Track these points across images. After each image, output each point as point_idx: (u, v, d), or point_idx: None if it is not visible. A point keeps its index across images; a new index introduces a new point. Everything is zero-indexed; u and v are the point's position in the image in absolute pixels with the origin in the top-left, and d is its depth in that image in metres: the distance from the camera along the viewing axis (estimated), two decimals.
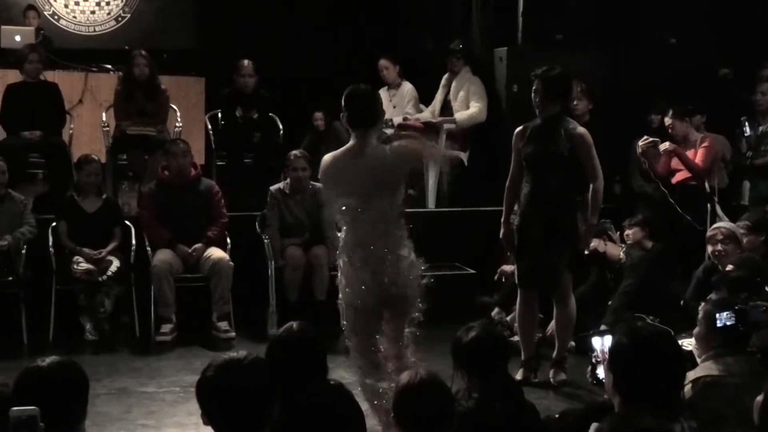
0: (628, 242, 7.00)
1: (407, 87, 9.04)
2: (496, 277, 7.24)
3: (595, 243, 6.69)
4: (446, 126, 8.45)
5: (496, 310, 7.05)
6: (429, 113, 8.78)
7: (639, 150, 7.20)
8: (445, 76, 8.74)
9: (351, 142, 4.74)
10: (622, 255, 6.90)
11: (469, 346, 3.67)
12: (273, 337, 3.65)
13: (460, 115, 8.49)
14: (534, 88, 5.82)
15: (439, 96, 8.75)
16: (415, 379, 2.99)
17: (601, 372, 3.52)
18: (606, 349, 3.74)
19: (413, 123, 8.56)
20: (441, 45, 9.24)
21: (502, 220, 5.98)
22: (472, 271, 7.77)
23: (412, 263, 4.77)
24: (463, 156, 8.63)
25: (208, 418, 2.77)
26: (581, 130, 5.82)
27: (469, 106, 8.51)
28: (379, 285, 4.67)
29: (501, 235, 6.00)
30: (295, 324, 3.66)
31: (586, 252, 6.20)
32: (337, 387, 3.70)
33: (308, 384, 3.51)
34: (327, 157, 4.81)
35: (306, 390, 3.48)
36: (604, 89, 8.31)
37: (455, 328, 6.72)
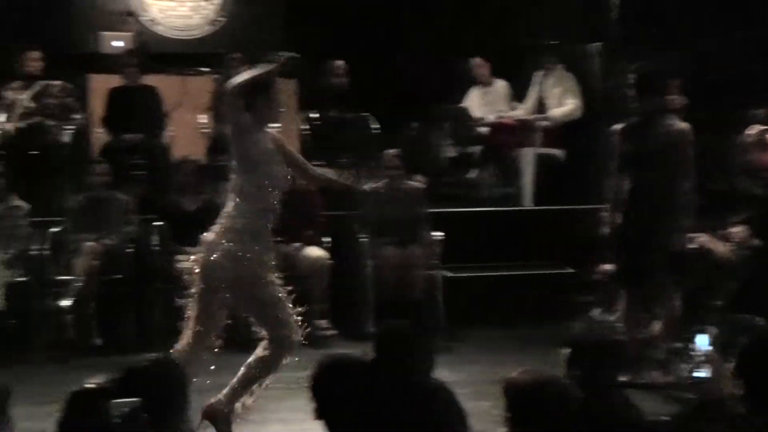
0: (734, 240, 6.82)
1: (500, 85, 9.00)
2: (595, 276, 7.15)
3: (703, 239, 6.56)
4: (541, 123, 8.38)
5: (598, 310, 6.96)
6: (523, 111, 8.72)
7: (751, 139, 6.99)
8: (539, 73, 8.67)
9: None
10: (729, 253, 6.73)
11: (593, 345, 3.62)
12: (376, 334, 3.66)
13: (555, 111, 8.42)
14: (630, 82, 5.75)
15: (533, 93, 8.69)
16: (534, 379, 2.97)
17: (701, 372, 3.46)
18: (705, 349, 3.68)
19: (506, 121, 8.53)
20: (535, 41, 9.17)
21: (606, 218, 5.91)
22: (571, 270, 7.69)
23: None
24: (559, 153, 8.55)
25: (320, 415, 2.80)
26: (683, 125, 5.74)
27: (563, 103, 8.44)
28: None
29: (604, 234, 5.93)
30: (398, 322, 3.69)
31: (692, 249, 6.11)
32: (439, 386, 3.71)
33: (413, 382, 3.53)
34: None
35: (410, 388, 3.50)
36: (699, 84, 8.14)
37: (555, 328, 6.78)
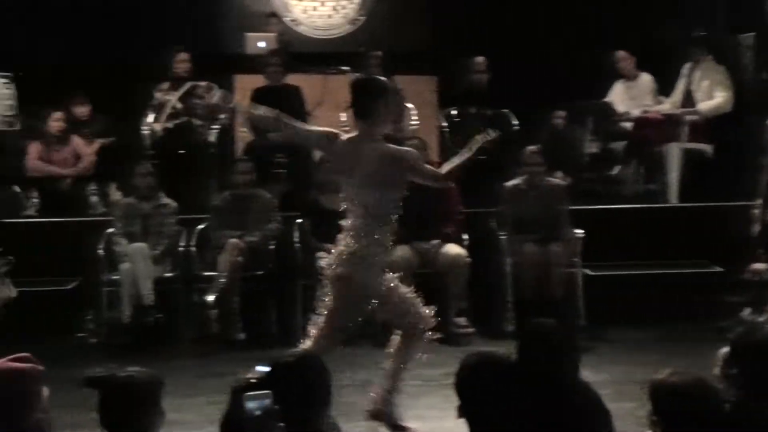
0: None
1: (646, 78, 8.78)
2: (746, 276, 6.88)
3: None
4: (689, 117, 8.11)
5: (748, 310, 6.70)
6: (670, 104, 8.46)
7: None
8: (687, 65, 8.39)
9: (354, 132, 4.67)
10: None
11: (760, 347, 3.47)
12: (521, 333, 3.61)
13: (705, 105, 8.13)
14: None
15: (680, 86, 8.43)
16: (683, 381, 2.87)
17: None
18: None
19: (653, 115, 8.29)
20: (682, 33, 8.88)
21: (757, 215, 5.67)
22: (720, 269, 7.42)
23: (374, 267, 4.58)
24: (708, 148, 8.26)
25: (463, 414, 2.78)
26: None
27: (713, 96, 8.14)
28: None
29: (755, 233, 5.69)
30: (543, 321, 3.62)
31: None
32: (584, 386, 3.63)
33: (557, 382, 3.46)
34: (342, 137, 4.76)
35: (555, 388, 3.44)
36: None
37: (701, 328, 6.55)
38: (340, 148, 4.73)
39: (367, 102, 4.65)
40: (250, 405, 2.38)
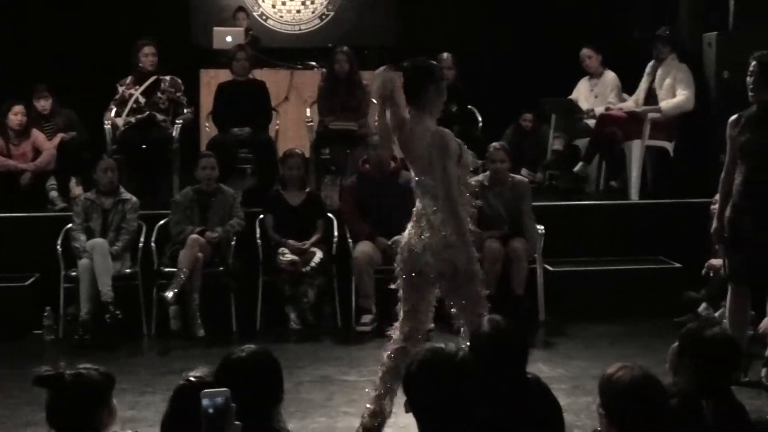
0: None
1: (610, 76, 8.82)
2: (703, 272, 6.94)
3: None
4: (651, 115, 8.15)
5: (704, 305, 6.77)
6: (633, 102, 8.51)
7: None
8: (650, 63, 8.43)
9: (408, 117, 4.64)
10: None
11: (710, 341, 3.50)
12: (477, 331, 3.62)
13: (666, 103, 8.17)
14: (750, 70, 5.53)
15: (643, 84, 8.46)
16: (630, 375, 2.89)
17: None
18: None
19: (616, 113, 8.33)
20: (646, 32, 8.93)
21: (716, 213, 5.72)
22: (678, 265, 7.48)
23: (446, 245, 4.51)
24: (669, 146, 8.33)
25: (412, 409, 2.78)
26: None
27: (675, 94, 8.19)
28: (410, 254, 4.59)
29: (712, 229, 5.74)
30: (500, 319, 3.64)
31: None
32: (535, 381, 3.66)
33: (510, 378, 3.48)
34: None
35: (507, 384, 3.45)
36: None
37: (659, 324, 6.61)
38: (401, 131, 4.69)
39: (419, 84, 4.61)
40: (206, 402, 2.36)
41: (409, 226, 4.68)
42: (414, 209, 4.68)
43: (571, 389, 5.60)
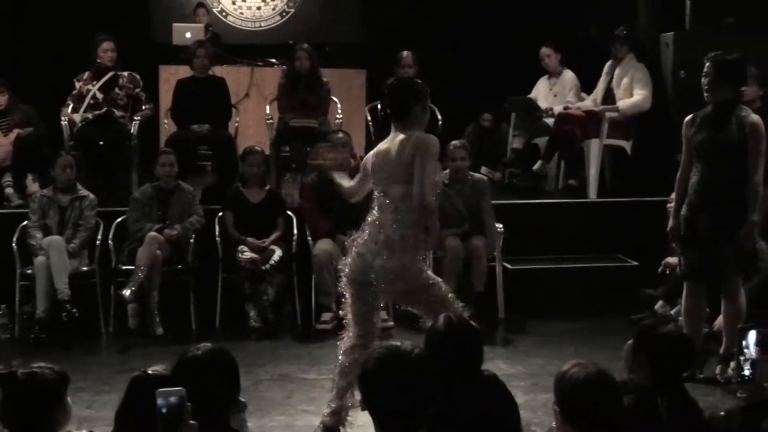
0: None
1: (568, 75, 8.88)
2: (660, 270, 7.02)
3: None
4: (609, 114, 8.22)
5: (660, 303, 6.84)
6: (591, 101, 8.58)
7: None
8: (608, 63, 8.50)
9: (389, 139, 4.69)
10: None
11: (663, 338, 3.54)
12: (433, 328, 3.63)
13: (623, 102, 8.25)
14: (705, 70, 5.60)
15: (601, 84, 8.54)
16: (584, 372, 2.91)
17: (747, 370, 3.32)
18: (754, 347, 3.57)
19: (574, 112, 8.39)
20: (605, 31, 9.01)
21: (672, 212, 5.78)
22: (635, 263, 7.57)
23: (396, 267, 4.53)
24: (627, 145, 8.40)
25: (367, 406, 2.79)
26: (754, 118, 5.56)
27: (632, 93, 8.27)
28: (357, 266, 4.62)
29: (668, 228, 5.80)
30: (454, 316, 3.65)
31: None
32: (492, 377, 3.68)
33: (465, 375, 3.50)
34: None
35: (463, 381, 3.47)
36: None
37: (617, 321, 6.67)
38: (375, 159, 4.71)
39: (404, 103, 4.63)
40: (161, 401, 2.35)
41: (365, 232, 4.66)
42: (371, 217, 4.66)
43: (529, 386, 5.64)
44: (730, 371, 5.58)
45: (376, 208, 4.67)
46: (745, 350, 3.30)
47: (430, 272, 4.78)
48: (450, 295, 4.76)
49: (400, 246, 4.53)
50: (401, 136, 4.58)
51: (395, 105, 4.67)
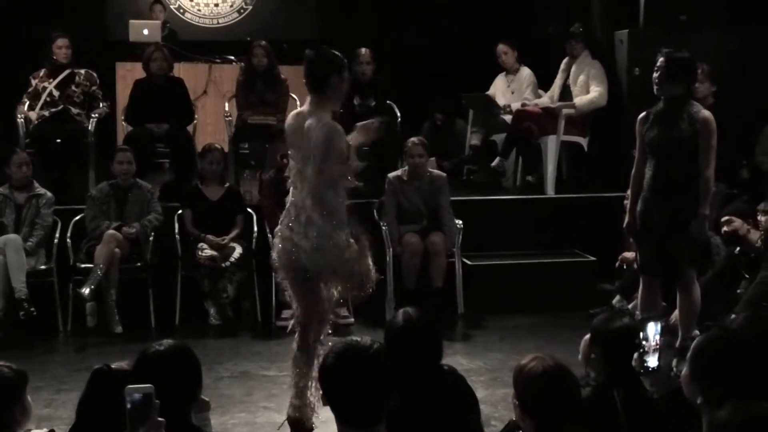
0: (762, 229, 6.71)
1: (525, 72, 8.95)
2: (617, 265, 7.11)
3: (737, 225, 6.51)
4: (565, 111, 8.30)
5: (617, 297, 6.92)
6: (548, 98, 8.65)
7: None
8: (565, 60, 8.59)
9: (305, 105, 4.71)
10: (759, 242, 6.61)
11: (618, 332, 3.60)
12: (391, 324, 3.66)
13: (580, 99, 8.33)
14: (657, 65, 5.67)
15: (558, 81, 8.62)
16: (542, 366, 2.95)
17: (652, 361, 3.40)
18: (656, 338, 3.65)
19: (531, 108, 8.46)
20: (561, 29, 9.10)
21: (628, 208, 5.86)
22: (593, 258, 7.65)
23: (318, 247, 4.53)
24: (583, 141, 8.50)
25: (328, 401, 2.81)
26: (705, 113, 5.64)
27: (588, 90, 8.35)
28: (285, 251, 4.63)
29: (625, 224, 5.88)
30: (412, 311, 3.68)
31: (724, 232, 6.10)
32: (451, 372, 3.71)
33: (424, 370, 3.53)
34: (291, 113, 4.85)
35: (422, 376, 3.50)
36: (729, 71, 8.05)
37: (575, 316, 6.75)
38: (290, 122, 4.72)
39: (320, 73, 4.61)
40: (129, 398, 2.36)
41: (285, 217, 4.65)
42: (290, 200, 4.65)
43: (489, 381, 5.69)
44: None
45: (293, 186, 4.65)
46: (644, 342, 3.40)
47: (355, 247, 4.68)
48: (373, 274, 4.73)
49: (324, 223, 4.53)
50: (312, 118, 4.54)
51: (311, 75, 4.65)
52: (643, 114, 5.82)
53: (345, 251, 4.57)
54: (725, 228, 6.60)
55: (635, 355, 3.29)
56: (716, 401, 2.73)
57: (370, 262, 4.72)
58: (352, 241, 4.62)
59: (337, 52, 4.74)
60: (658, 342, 3.42)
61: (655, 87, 5.69)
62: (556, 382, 2.97)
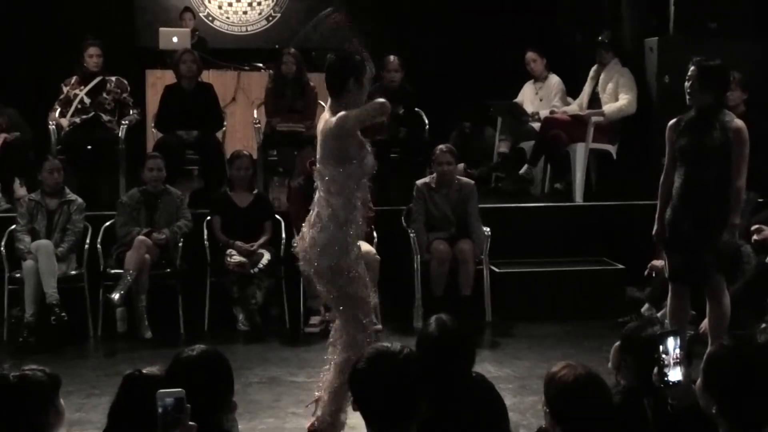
0: None
1: (554, 80, 8.94)
2: (646, 273, 7.07)
3: (767, 233, 6.47)
4: (594, 118, 8.29)
5: (646, 305, 6.89)
6: (576, 106, 8.64)
7: None
8: (594, 68, 8.57)
9: (326, 110, 4.74)
10: None
11: (649, 340, 3.58)
12: (423, 331, 3.66)
13: (609, 107, 8.31)
14: (689, 74, 5.63)
15: (587, 88, 8.60)
16: (573, 374, 2.95)
17: (673, 375, 3.35)
18: (676, 351, 3.61)
19: (560, 116, 8.45)
20: (589, 37, 9.08)
21: (657, 215, 5.83)
22: (621, 266, 7.61)
23: (330, 243, 4.57)
24: (612, 149, 8.47)
25: (359, 406, 2.82)
26: (738, 123, 5.60)
27: (618, 98, 8.33)
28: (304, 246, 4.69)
29: (654, 231, 5.85)
30: (445, 318, 3.68)
31: (754, 240, 6.05)
32: (480, 380, 3.71)
33: (455, 377, 3.53)
34: None
35: (453, 383, 3.50)
36: (759, 79, 8.00)
37: (603, 324, 6.72)
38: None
39: (338, 78, 4.63)
40: (160, 402, 2.38)
41: (311, 216, 4.71)
42: (315, 196, 4.72)
43: (517, 389, 5.67)
44: None
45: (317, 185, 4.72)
46: (664, 356, 3.35)
47: (362, 268, 4.72)
48: (373, 303, 4.78)
49: (330, 221, 4.56)
50: (329, 117, 4.59)
51: (330, 78, 4.67)
52: (674, 121, 5.79)
53: (344, 254, 4.59)
54: (756, 236, 6.56)
55: (655, 369, 3.27)
56: (730, 411, 2.72)
57: (369, 293, 4.75)
58: (355, 249, 4.65)
59: (358, 57, 4.74)
60: (678, 356, 3.40)
61: (687, 96, 5.66)
62: (587, 389, 2.97)
